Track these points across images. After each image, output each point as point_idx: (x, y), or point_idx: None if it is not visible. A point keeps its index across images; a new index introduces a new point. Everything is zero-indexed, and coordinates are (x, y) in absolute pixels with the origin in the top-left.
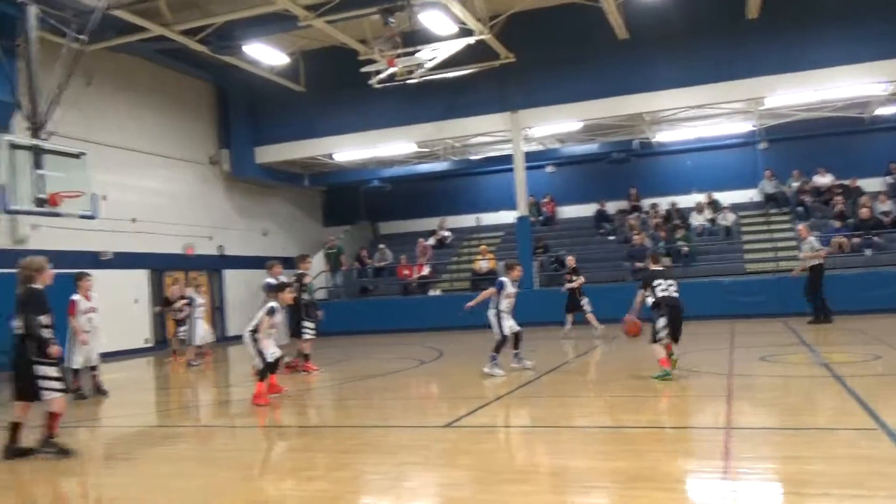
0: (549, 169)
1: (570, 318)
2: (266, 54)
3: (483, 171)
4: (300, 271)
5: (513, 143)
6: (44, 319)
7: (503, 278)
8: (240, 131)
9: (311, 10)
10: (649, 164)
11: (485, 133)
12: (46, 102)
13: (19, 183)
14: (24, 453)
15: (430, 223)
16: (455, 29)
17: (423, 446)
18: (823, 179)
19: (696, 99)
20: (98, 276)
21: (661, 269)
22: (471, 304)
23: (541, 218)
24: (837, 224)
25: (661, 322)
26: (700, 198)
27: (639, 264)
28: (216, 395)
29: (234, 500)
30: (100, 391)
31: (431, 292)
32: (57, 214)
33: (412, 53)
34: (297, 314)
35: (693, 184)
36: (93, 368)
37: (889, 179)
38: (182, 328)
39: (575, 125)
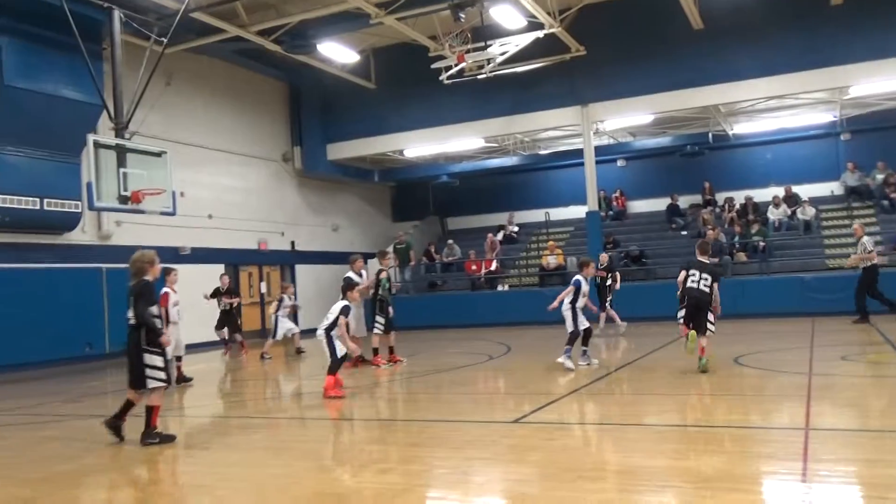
0: (620, 163)
1: (603, 316)
2: (338, 52)
3: (552, 166)
4: (379, 267)
5: (583, 137)
6: (154, 310)
7: (579, 277)
8: (312, 129)
9: (382, 7)
10: (724, 156)
11: (554, 127)
12: (129, 103)
13: (104, 181)
14: (118, 431)
15: (498, 218)
16: (525, 23)
17: (491, 441)
18: None
19: (775, 89)
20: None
21: (703, 261)
22: (554, 304)
23: (611, 213)
24: None
25: (681, 312)
26: (778, 191)
27: (713, 259)
28: (288, 387)
29: (306, 490)
30: (184, 379)
31: (499, 287)
32: (139, 211)
33: (482, 48)
34: (374, 309)
35: (770, 177)
36: (178, 359)
37: None
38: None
39: (647, 118)
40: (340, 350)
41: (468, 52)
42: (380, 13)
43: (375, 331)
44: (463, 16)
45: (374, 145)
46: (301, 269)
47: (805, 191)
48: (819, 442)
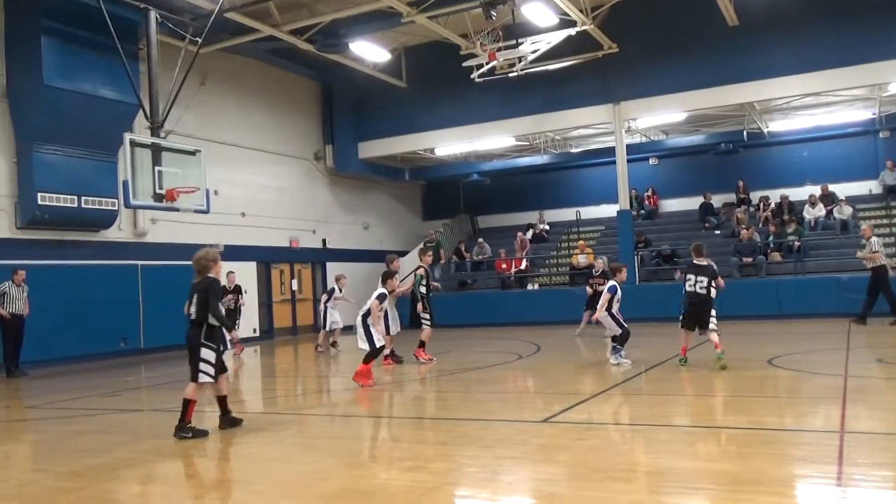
0: (653, 161)
1: (587, 315)
2: (370, 51)
3: (584, 164)
4: (419, 264)
5: (615, 136)
6: (220, 306)
7: (614, 283)
8: (343, 127)
9: (413, 6)
10: (759, 154)
11: (586, 125)
12: (165, 102)
13: (140, 179)
14: (236, 422)
15: (528, 217)
16: (556, 20)
17: (521, 441)
18: None
19: (812, 86)
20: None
21: (699, 263)
22: (597, 315)
23: (642, 212)
24: None
25: (683, 312)
26: (814, 190)
27: (747, 259)
28: (320, 384)
29: (334, 486)
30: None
31: (529, 286)
32: (174, 209)
33: (513, 46)
34: (414, 306)
35: (807, 175)
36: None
37: None
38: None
39: (680, 116)
40: (378, 340)
41: (499, 50)
42: (411, 12)
43: (424, 325)
44: (494, 14)
45: (404, 144)
46: (332, 267)
47: (842, 189)
48: (854, 445)
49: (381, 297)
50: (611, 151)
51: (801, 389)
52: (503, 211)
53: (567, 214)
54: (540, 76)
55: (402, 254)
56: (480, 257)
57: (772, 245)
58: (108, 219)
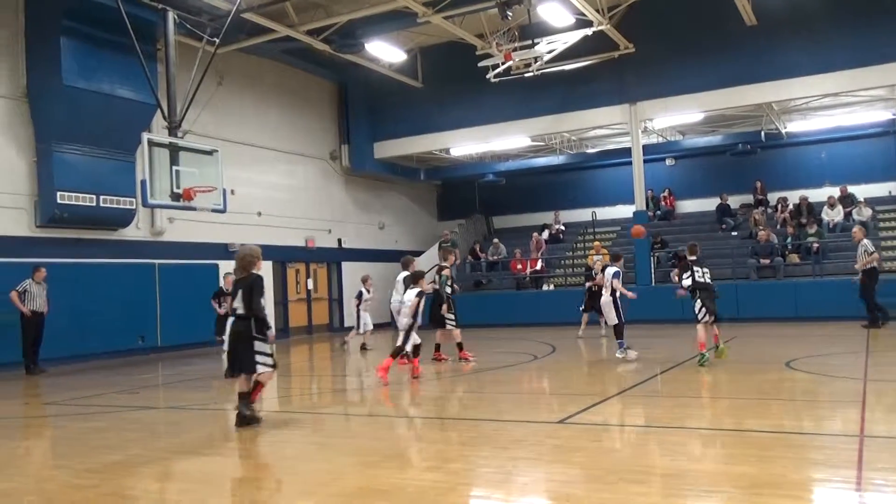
0: (669, 162)
1: (586, 317)
2: (386, 51)
3: (599, 165)
4: (442, 263)
5: (631, 136)
6: (263, 302)
7: (616, 268)
8: (359, 127)
9: (429, 6)
10: (777, 155)
11: (602, 126)
12: (182, 102)
13: (158, 178)
14: (254, 420)
15: (544, 217)
16: (572, 20)
17: (536, 442)
18: None
19: (831, 86)
20: (227, 268)
21: (695, 258)
22: (630, 294)
23: (659, 212)
24: None
25: (697, 305)
26: (833, 191)
27: (764, 261)
28: (335, 383)
29: (349, 485)
30: None
31: (544, 287)
32: (191, 208)
33: (529, 46)
34: (438, 305)
35: (826, 176)
36: None
37: None
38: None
39: (697, 116)
40: (413, 341)
41: (515, 50)
42: (427, 12)
43: (448, 326)
44: (510, 14)
45: (420, 144)
46: (347, 267)
47: (861, 191)
48: (874, 450)
49: (421, 295)
50: (627, 152)
51: (819, 392)
52: (518, 211)
53: (583, 215)
54: (556, 76)
55: (418, 254)
56: (495, 257)
57: (790, 247)
58: (126, 218)
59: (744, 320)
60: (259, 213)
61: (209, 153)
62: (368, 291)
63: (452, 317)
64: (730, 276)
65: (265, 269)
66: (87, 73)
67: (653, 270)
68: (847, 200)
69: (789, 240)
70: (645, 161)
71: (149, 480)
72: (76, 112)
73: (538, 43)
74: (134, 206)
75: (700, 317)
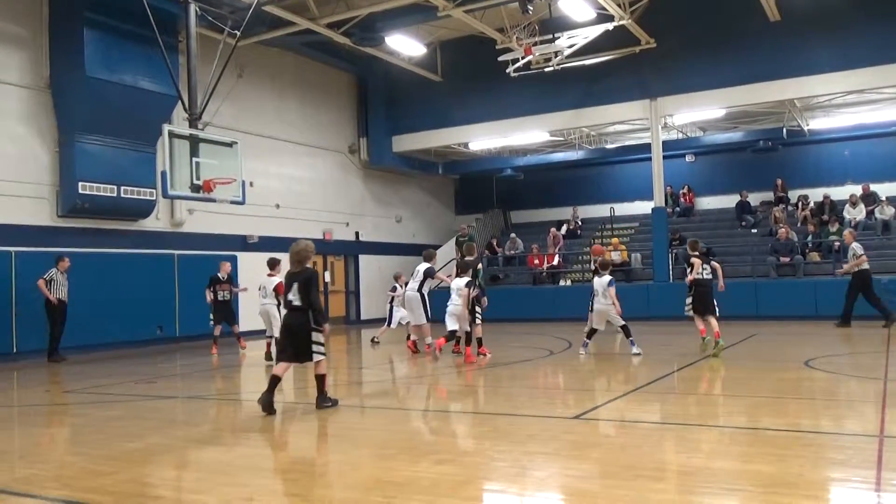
0: (689, 158)
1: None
2: (405, 45)
3: (618, 160)
4: (469, 258)
5: (651, 132)
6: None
7: (609, 276)
8: (378, 121)
9: (450, 0)
10: (798, 153)
11: (622, 121)
12: (203, 94)
13: (178, 170)
14: (334, 403)
15: (561, 213)
16: (593, 15)
17: (551, 436)
18: None
19: (855, 83)
20: (245, 259)
21: (697, 255)
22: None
23: (678, 209)
24: None
25: (689, 299)
26: (855, 189)
27: (784, 259)
28: (350, 375)
29: (364, 476)
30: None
31: (561, 282)
32: (211, 200)
33: (549, 41)
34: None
35: (848, 174)
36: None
37: None
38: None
39: (718, 112)
40: (456, 327)
41: (535, 44)
42: (447, 5)
43: (478, 321)
44: (531, 8)
45: (439, 138)
46: (364, 260)
47: (884, 189)
48: (894, 450)
49: (470, 285)
50: (646, 148)
51: (838, 392)
52: (536, 206)
53: (601, 211)
54: (576, 71)
55: (435, 248)
56: (513, 252)
57: (810, 245)
58: (146, 209)
59: (763, 318)
60: (277, 206)
61: (229, 145)
62: (402, 287)
63: (480, 311)
64: (749, 273)
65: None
66: (109, 65)
67: (671, 267)
68: (869, 199)
69: (810, 238)
70: (664, 157)
71: (167, 469)
72: (98, 103)
73: (559, 37)
74: (154, 197)
75: (685, 310)
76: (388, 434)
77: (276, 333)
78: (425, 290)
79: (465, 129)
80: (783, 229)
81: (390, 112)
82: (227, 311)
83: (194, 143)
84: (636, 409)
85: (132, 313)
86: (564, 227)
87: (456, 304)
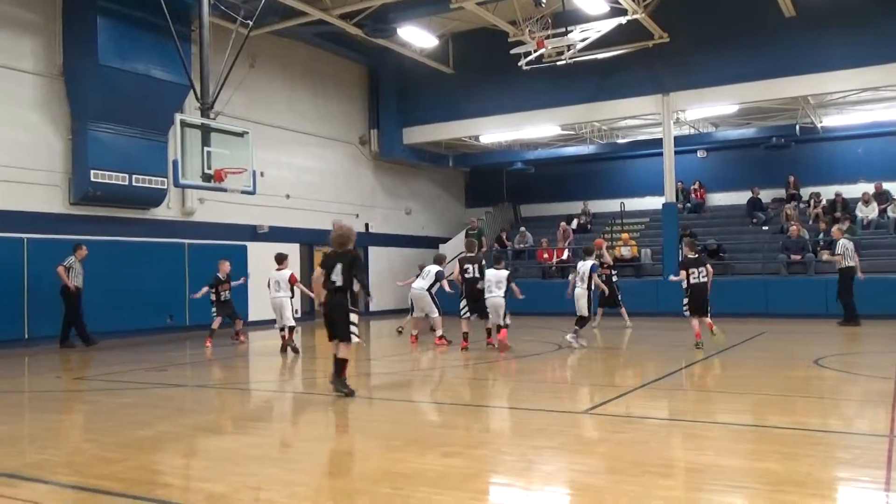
0: (701, 154)
1: (601, 311)
2: (417, 37)
3: (630, 155)
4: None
5: (663, 127)
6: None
7: (592, 261)
8: (389, 112)
9: None
10: (811, 150)
11: (634, 116)
12: (215, 84)
13: (189, 159)
14: (352, 393)
15: (572, 207)
16: (607, 8)
17: (559, 431)
18: None
19: (871, 80)
20: (255, 249)
21: (695, 257)
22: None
23: (689, 205)
24: None
25: (685, 301)
26: (868, 188)
27: (795, 257)
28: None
29: (372, 467)
30: (294, 350)
31: (570, 277)
32: (221, 189)
33: (562, 34)
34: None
35: (861, 172)
36: (286, 329)
37: None
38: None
39: (731, 108)
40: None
41: (548, 37)
42: None
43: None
44: (544, 1)
45: (449, 130)
46: (374, 251)
47: None
48: None
49: (511, 278)
50: (658, 143)
51: (848, 391)
52: (546, 200)
53: (611, 205)
54: (588, 65)
55: (445, 240)
56: (522, 246)
57: (822, 243)
58: (157, 197)
59: (773, 316)
60: (287, 196)
61: (240, 135)
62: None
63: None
64: (759, 271)
65: (293, 253)
66: (122, 53)
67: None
68: (882, 197)
69: (821, 235)
70: (676, 152)
71: (176, 456)
72: (111, 91)
73: (571, 31)
74: (165, 186)
75: (684, 310)
76: (396, 426)
77: (288, 324)
78: (434, 290)
79: (477, 122)
80: (794, 227)
81: (401, 104)
82: (230, 310)
83: (206, 132)
84: (644, 405)
85: (142, 302)
86: (574, 222)
87: (497, 294)
